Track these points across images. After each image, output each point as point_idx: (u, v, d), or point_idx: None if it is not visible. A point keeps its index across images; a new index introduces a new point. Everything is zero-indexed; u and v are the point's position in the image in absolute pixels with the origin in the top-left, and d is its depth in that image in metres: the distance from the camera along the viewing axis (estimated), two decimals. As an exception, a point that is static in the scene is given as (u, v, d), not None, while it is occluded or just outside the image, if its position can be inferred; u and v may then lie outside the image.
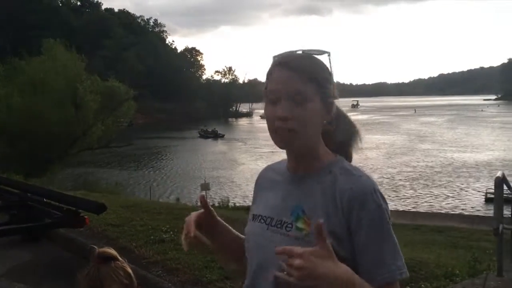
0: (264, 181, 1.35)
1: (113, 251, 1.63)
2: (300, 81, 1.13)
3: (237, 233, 1.40)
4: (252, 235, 1.26)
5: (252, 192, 1.41)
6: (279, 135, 1.15)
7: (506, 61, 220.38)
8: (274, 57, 1.22)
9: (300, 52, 1.20)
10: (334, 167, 1.20)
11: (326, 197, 1.15)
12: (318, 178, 1.20)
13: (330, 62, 1.20)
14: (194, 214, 1.30)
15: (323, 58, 1.20)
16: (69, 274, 1.74)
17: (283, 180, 1.27)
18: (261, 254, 1.21)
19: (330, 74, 1.19)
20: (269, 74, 1.20)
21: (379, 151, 43.78)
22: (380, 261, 1.09)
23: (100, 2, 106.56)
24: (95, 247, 1.62)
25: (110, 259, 1.60)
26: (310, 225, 1.13)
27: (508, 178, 5.83)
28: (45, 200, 5.65)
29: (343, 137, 1.27)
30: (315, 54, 1.20)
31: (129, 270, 1.60)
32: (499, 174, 5.16)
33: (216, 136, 63.48)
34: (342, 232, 1.12)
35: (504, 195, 5.75)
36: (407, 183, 29.97)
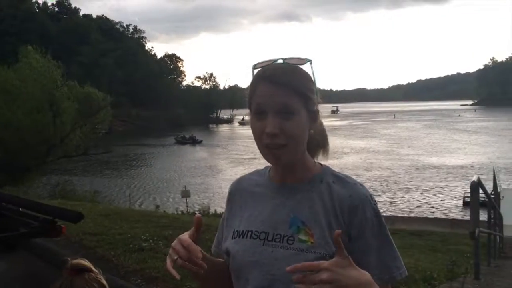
0: (242, 194, 1.29)
1: (87, 263, 1.60)
2: (286, 96, 1.12)
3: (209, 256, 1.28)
4: (243, 253, 1.19)
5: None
6: (269, 151, 1.14)
7: (482, 67, 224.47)
8: (255, 66, 1.19)
9: (281, 61, 1.17)
10: (324, 176, 1.20)
11: (326, 207, 1.16)
12: (310, 188, 1.19)
13: (312, 70, 1.18)
14: (187, 236, 1.14)
15: (305, 66, 1.18)
16: (45, 285, 1.70)
17: (268, 192, 1.24)
18: (260, 272, 1.15)
19: (313, 83, 1.18)
20: (253, 87, 1.17)
21: (358, 156, 44.12)
22: (382, 263, 1.14)
23: (78, 8, 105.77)
24: (69, 258, 1.59)
25: (83, 271, 1.57)
26: (314, 236, 1.13)
27: (484, 182, 5.92)
28: (20, 209, 5.54)
29: (314, 142, 1.26)
30: (297, 64, 1.17)
31: (104, 282, 1.56)
32: (474, 178, 5.25)
33: (194, 142, 63.27)
34: (343, 239, 1.10)
35: (481, 199, 5.85)
36: (385, 187, 30.25)
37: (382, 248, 1.14)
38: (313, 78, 1.18)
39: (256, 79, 1.17)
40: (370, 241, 1.13)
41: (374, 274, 1.08)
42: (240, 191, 1.31)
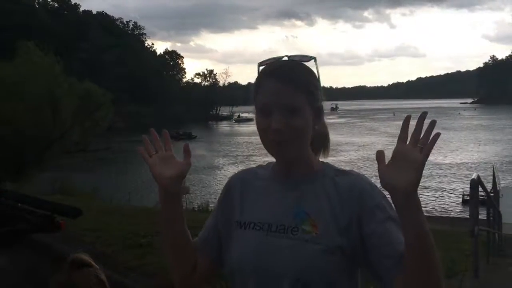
0: (244, 186, 1.29)
1: (86, 258, 1.60)
2: (291, 92, 1.13)
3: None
4: (246, 243, 1.20)
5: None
6: (274, 147, 1.16)
7: (482, 65, 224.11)
8: (260, 64, 1.22)
9: (286, 58, 1.20)
10: (326, 171, 1.22)
11: (331, 199, 1.17)
12: (314, 181, 1.20)
13: (316, 67, 1.21)
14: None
15: (309, 63, 1.21)
16: (43, 280, 1.70)
17: (271, 185, 1.24)
18: (263, 263, 1.16)
19: (317, 80, 1.20)
20: (258, 83, 1.19)
21: (357, 153, 44.13)
22: (399, 244, 1.08)
23: (78, 4, 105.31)
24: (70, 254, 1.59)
25: (83, 266, 1.57)
26: (318, 227, 1.14)
27: (483, 180, 5.92)
28: (19, 204, 5.53)
29: (316, 140, 1.27)
30: (301, 60, 1.20)
31: (103, 277, 1.56)
32: (474, 176, 5.25)
33: (189, 138, 63.44)
34: (346, 226, 1.14)
35: (480, 197, 5.85)
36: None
37: (395, 230, 1.11)
38: (317, 75, 1.20)
39: (261, 75, 1.19)
40: (383, 224, 1.12)
41: (390, 254, 1.09)
42: (241, 183, 1.31)
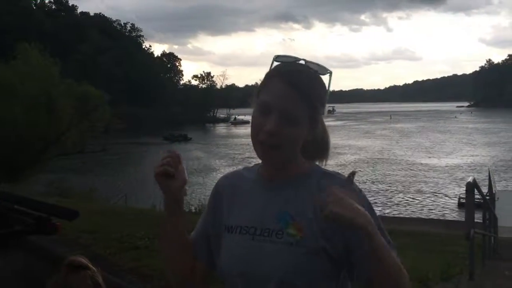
0: (231, 189, 1.30)
1: (83, 260, 1.61)
2: (296, 101, 1.12)
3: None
4: (233, 248, 1.21)
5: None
6: (262, 148, 1.15)
7: (478, 69, 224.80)
8: (276, 58, 1.19)
9: (303, 62, 1.17)
10: (313, 173, 1.21)
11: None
12: (299, 183, 1.20)
13: (329, 81, 1.19)
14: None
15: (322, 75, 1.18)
16: (39, 282, 1.71)
17: (257, 188, 1.24)
18: (249, 267, 1.16)
19: (326, 95, 1.18)
20: (268, 79, 1.17)
21: (353, 157, 44.14)
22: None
23: (76, 6, 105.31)
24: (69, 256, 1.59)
25: (80, 268, 1.57)
26: (302, 230, 1.13)
27: (479, 183, 5.94)
28: (15, 206, 5.51)
29: (315, 144, 1.25)
30: (317, 71, 1.17)
31: (99, 280, 1.56)
32: (470, 179, 5.26)
33: (185, 139, 63.32)
34: (329, 229, 1.12)
35: (476, 200, 5.87)
36: (380, 188, 30.26)
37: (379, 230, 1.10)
38: (327, 90, 1.19)
39: (274, 72, 1.17)
40: None
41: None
42: (228, 186, 1.31)
